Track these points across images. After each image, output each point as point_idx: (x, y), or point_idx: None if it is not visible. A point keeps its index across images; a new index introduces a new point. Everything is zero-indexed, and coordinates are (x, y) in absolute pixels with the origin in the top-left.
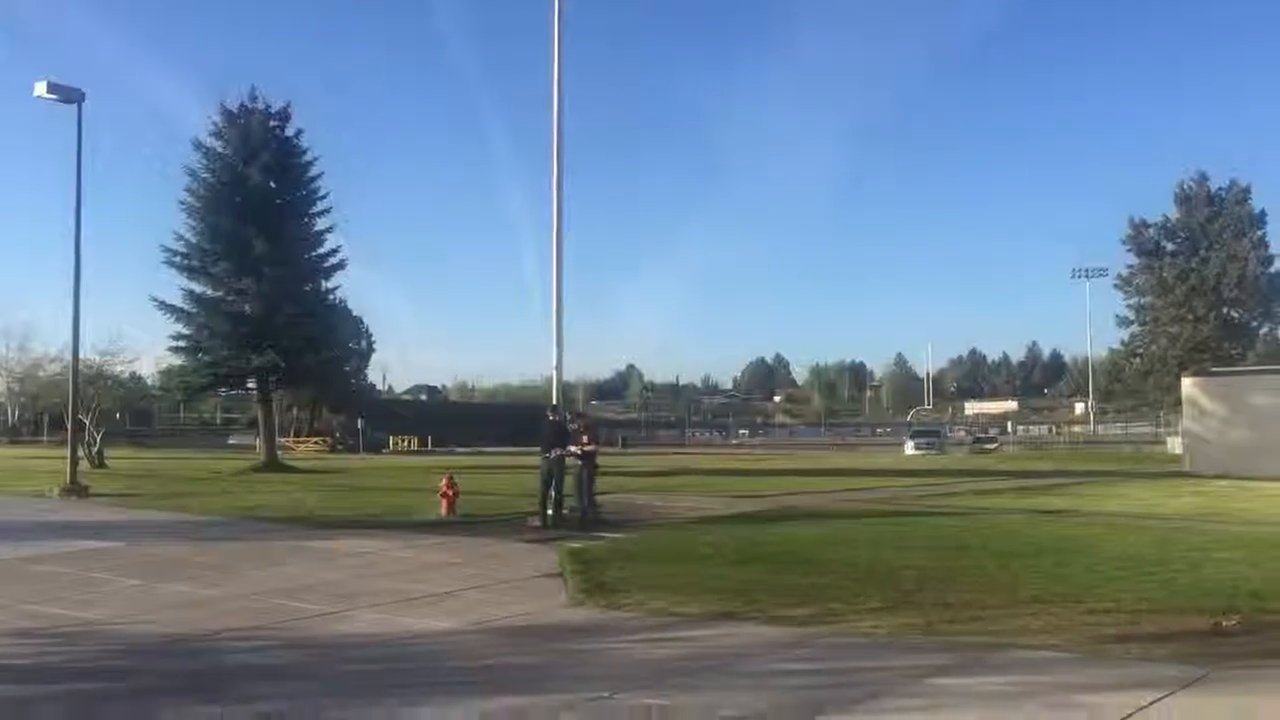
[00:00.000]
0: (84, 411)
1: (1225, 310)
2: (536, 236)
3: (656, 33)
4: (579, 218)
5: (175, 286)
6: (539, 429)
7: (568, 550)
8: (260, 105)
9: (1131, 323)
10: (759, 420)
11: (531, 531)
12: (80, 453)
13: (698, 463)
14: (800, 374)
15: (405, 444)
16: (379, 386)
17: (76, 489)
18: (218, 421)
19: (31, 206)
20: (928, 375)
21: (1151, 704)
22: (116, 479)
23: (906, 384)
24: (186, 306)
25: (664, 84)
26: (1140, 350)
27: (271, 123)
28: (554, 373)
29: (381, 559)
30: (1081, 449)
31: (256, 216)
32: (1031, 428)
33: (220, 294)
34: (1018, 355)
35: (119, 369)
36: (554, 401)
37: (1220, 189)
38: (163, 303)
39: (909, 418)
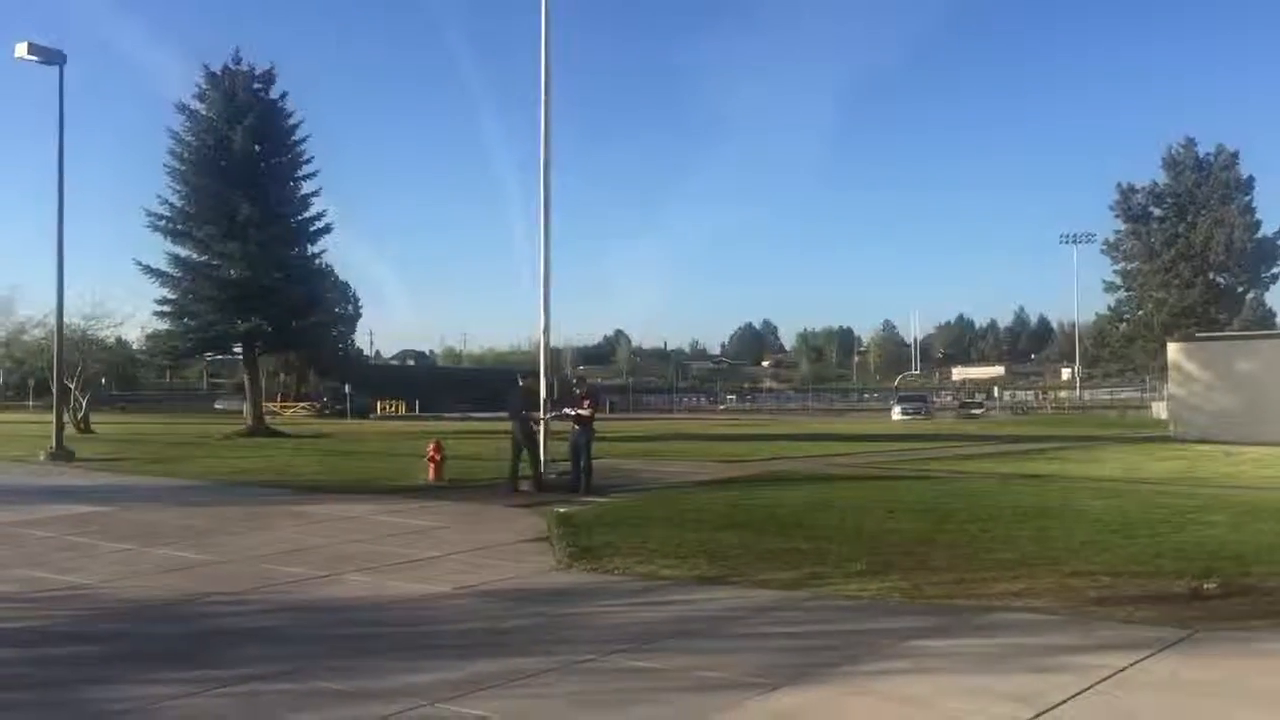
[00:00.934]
0: (69, 376)
1: (1212, 276)
2: (526, 202)
3: None
4: (568, 184)
5: (161, 251)
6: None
7: (555, 514)
8: (244, 67)
9: (1119, 288)
10: (747, 386)
11: (519, 496)
12: (66, 418)
13: (685, 428)
14: (788, 340)
15: (393, 409)
16: (366, 351)
17: (63, 454)
18: (204, 386)
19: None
20: (915, 341)
21: (1133, 664)
22: (103, 444)
23: (894, 350)
24: (172, 271)
25: (654, 48)
26: (1127, 315)
27: (255, 85)
28: (542, 337)
29: (370, 523)
30: (1068, 414)
31: (241, 180)
32: (1018, 393)
33: (205, 258)
34: (1005, 321)
35: (105, 333)
36: (541, 366)
37: (1208, 154)
38: (148, 267)
39: (896, 383)
